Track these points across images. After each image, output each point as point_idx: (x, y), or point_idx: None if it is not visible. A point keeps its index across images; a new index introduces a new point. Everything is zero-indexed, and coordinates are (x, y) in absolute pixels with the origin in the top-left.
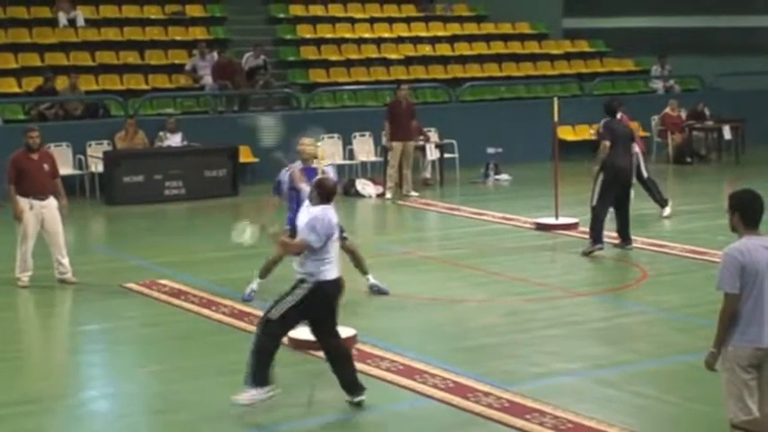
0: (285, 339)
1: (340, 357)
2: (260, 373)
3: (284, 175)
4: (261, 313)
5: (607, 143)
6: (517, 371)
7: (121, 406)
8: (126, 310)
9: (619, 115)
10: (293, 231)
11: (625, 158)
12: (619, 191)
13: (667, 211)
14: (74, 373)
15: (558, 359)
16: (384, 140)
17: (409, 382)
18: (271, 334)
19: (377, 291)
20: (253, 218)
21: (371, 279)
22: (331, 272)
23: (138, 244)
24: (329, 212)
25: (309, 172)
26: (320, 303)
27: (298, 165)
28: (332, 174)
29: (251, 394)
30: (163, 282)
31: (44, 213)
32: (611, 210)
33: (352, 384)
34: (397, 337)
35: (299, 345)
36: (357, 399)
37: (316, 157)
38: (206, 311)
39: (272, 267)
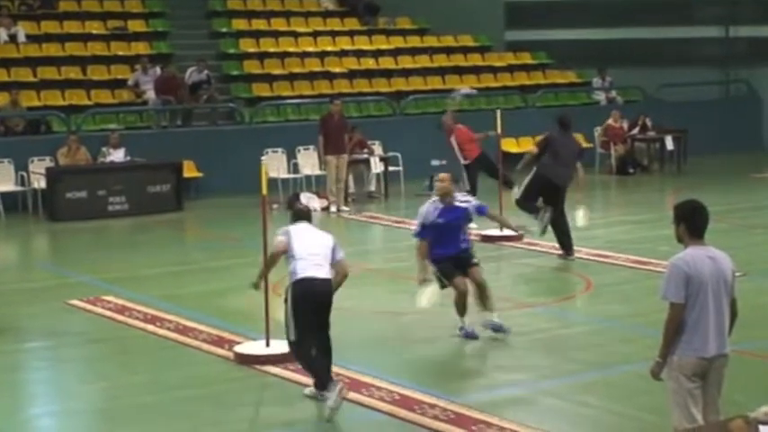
0: (233, 354)
1: (321, 350)
2: (319, 381)
3: (430, 211)
4: (204, 329)
5: (534, 149)
6: (463, 382)
7: (66, 423)
8: (70, 327)
9: None
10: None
11: (558, 170)
12: (545, 196)
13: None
14: (18, 390)
15: (504, 370)
16: (321, 153)
17: (355, 395)
18: (299, 357)
19: (494, 329)
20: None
21: (495, 318)
22: (299, 272)
23: (82, 260)
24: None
25: (452, 209)
26: (295, 302)
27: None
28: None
29: (331, 397)
30: (107, 298)
31: None
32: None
33: (323, 377)
34: (342, 351)
35: (244, 359)
36: (323, 393)
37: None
38: (151, 327)
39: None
